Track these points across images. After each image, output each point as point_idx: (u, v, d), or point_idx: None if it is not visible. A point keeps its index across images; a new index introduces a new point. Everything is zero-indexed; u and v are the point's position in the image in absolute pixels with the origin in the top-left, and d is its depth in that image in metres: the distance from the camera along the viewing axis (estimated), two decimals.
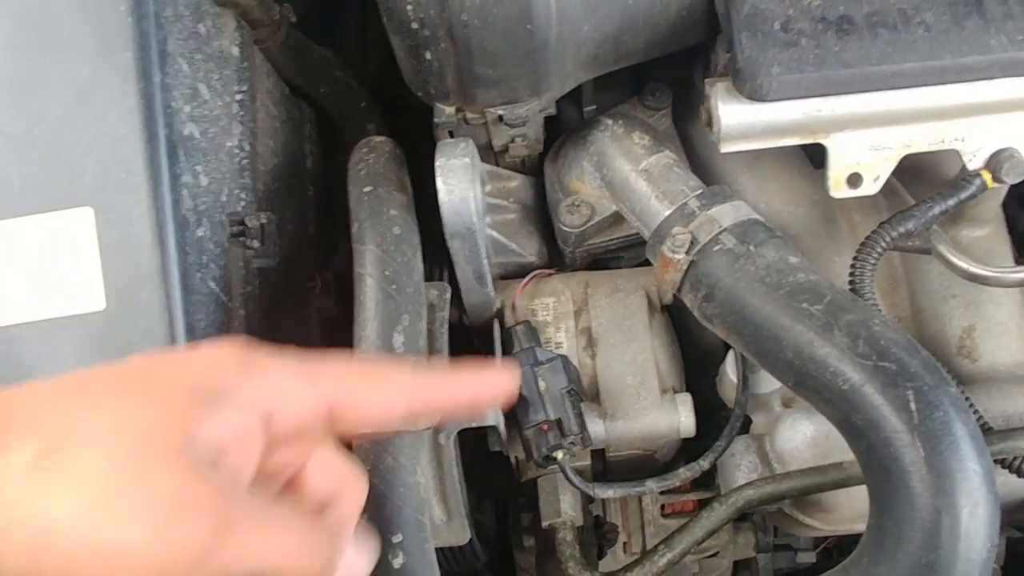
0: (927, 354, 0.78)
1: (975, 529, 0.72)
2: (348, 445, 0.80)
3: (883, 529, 0.75)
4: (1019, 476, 0.87)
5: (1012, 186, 0.89)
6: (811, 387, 0.79)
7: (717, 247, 0.86)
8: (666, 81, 1.03)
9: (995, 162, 0.87)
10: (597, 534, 1.06)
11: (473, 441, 0.92)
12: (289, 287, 1.02)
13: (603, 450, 0.97)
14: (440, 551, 0.83)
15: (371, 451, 0.78)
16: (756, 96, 0.83)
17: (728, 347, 0.94)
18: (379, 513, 0.77)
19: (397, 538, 0.77)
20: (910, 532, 0.73)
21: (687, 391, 0.97)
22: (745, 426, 0.97)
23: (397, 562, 0.77)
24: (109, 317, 0.78)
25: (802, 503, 0.96)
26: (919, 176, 0.96)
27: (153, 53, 0.79)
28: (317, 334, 1.10)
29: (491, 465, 0.99)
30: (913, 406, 0.74)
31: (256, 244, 0.91)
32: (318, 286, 1.10)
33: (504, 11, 0.81)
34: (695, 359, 1.02)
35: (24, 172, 0.78)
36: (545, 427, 0.87)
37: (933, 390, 0.74)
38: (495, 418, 0.84)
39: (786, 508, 0.98)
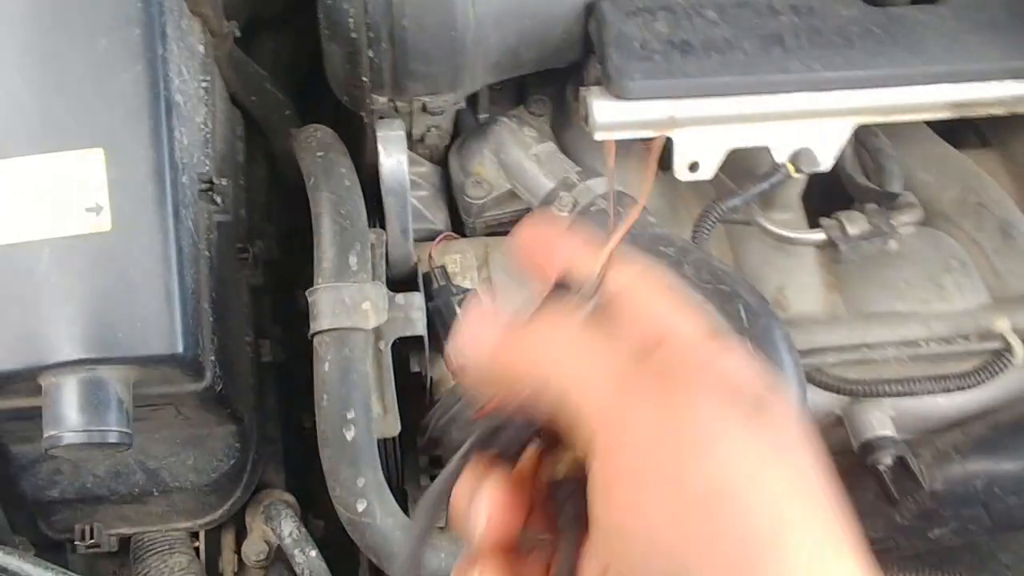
0: (752, 284, 1.04)
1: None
2: (311, 343, 1.00)
3: None
4: (814, 385, 1.14)
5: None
6: None
7: (593, 207, 1.11)
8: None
9: (796, 157, 1.15)
10: None
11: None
12: (230, 252, 1.21)
13: None
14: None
15: (330, 344, 0.97)
16: (622, 96, 1.09)
17: None
18: (336, 391, 0.96)
19: (350, 414, 0.96)
20: None
21: None
22: None
23: (349, 435, 0.97)
24: (115, 237, 0.95)
25: None
26: (740, 167, 1.24)
27: (157, 32, 0.99)
28: (246, 299, 1.29)
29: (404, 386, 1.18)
30: (743, 316, 1.00)
31: (219, 200, 1.10)
32: (249, 258, 1.29)
33: (434, 19, 1.05)
34: None
35: (47, 118, 0.95)
36: None
37: (757, 304, 1.01)
38: (423, 330, 1.05)
39: None
